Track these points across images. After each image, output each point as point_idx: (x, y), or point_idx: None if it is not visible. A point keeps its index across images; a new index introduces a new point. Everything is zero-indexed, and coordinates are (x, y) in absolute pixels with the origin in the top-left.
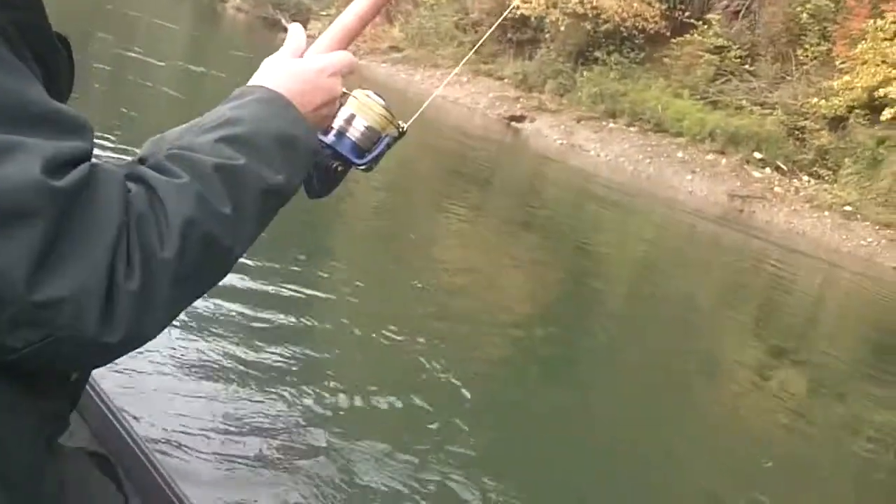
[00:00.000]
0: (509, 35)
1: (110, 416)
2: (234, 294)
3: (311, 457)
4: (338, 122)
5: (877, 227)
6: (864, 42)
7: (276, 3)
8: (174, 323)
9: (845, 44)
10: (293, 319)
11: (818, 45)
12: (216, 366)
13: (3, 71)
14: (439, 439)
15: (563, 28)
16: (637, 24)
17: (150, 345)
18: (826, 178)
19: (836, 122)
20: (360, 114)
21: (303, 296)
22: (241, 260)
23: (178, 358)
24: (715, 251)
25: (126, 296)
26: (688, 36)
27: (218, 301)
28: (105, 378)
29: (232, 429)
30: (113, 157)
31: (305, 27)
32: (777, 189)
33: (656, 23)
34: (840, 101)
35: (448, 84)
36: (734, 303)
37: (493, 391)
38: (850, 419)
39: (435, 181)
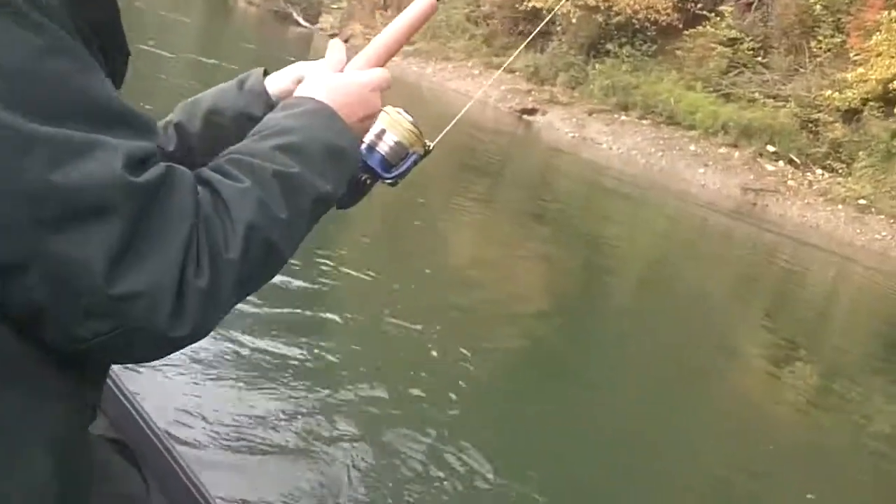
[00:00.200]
0: (521, 28)
1: (127, 405)
2: None
3: (324, 445)
4: (369, 137)
5: (891, 221)
6: (878, 34)
7: None
8: None
9: (859, 35)
10: (304, 310)
11: (832, 36)
12: (229, 355)
13: (84, 71)
14: (451, 427)
15: (574, 21)
16: (649, 16)
17: None
18: (840, 171)
19: (850, 115)
20: (391, 129)
21: (313, 287)
22: None
23: (192, 347)
24: (727, 244)
25: (195, 293)
26: (700, 28)
27: None
28: (121, 367)
29: (246, 416)
30: None
31: (316, 21)
32: (790, 182)
33: (668, 15)
34: (854, 93)
35: (459, 77)
36: (747, 296)
37: (505, 381)
38: (862, 413)
39: (446, 173)
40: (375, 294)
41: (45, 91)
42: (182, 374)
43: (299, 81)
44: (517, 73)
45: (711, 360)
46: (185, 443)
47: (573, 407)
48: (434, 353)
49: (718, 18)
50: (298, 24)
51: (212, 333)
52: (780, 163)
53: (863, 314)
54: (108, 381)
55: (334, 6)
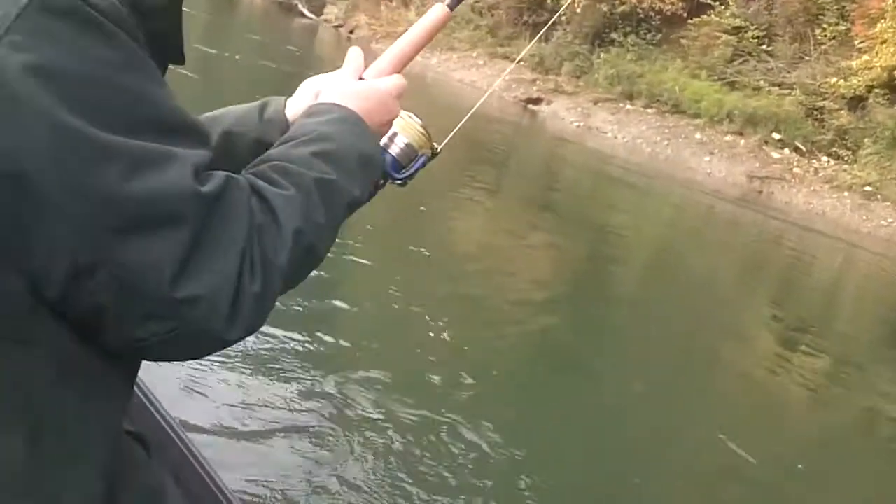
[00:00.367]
0: (525, 17)
1: (141, 396)
2: None
3: (337, 432)
4: (382, 139)
5: None
6: (883, 21)
7: None
8: None
9: (864, 23)
10: (311, 299)
11: (836, 24)
12: (240, 344)
13: (153, 82)
14: (461, 413)
15: (579, 10)
16: (654, 6)
17: None
18: (845, 158)
19: (856, 102)
20: (402, 132)
21: (320, 276)
22: None
23: None
24: (734, 232)
25: (249, 297)
26: (704, 17)
27: None
28: None
29: (258, 404)
30: None
31: (321, 13)
32: (796, 170)
33: (673, 4)
34: (859, 80)
35: (464, 68)
36: (754, 283)
37: (512, 368)
38: (872, 399)
39: (451, 163)
40: (381, 282)
41: (121, 103)
42: (196, 367)
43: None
44: (522, 63)
45: (719, 348)
46: (199, 432)
47: (581, 394)
48: (441, 341)
49: (723, 7)
50: (303, 16)
51: None
52: (786, 150)
53: (869, 301)
54: None
55: None
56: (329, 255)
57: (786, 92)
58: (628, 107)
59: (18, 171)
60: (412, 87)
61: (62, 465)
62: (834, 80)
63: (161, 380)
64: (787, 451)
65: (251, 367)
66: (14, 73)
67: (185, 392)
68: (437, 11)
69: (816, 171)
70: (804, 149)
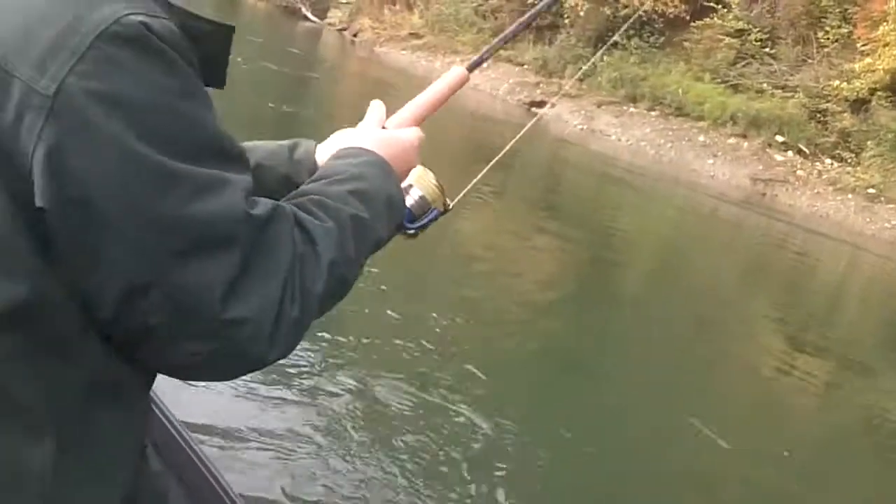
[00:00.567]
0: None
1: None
2: None
3: (341, 433)
4: None
5: None
6: (885, 24)
7: None
8: None
9: (866, 26)
10: None
11: (839, 27)
12: None
13: (207, 108)
14: (466, 414)
15: (582, 13)
16: (657, 9)
17: None
18: (849, 160)
19: (858, 105)
20: (417, 184)
21: None
22: None
23: None
24: (737, 234)
25: (289, 321)
26: (707, 20)
27: None
28: None
29: (264, 408)
30: None
31: (325, 16)
32: (799, 172)
33: (676, 7)
34: (862, 83)
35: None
36: (757, 285)
37: (515, 369)
38: (873, 402)
39: (456, 165)
40: (384, 283)
41: (182, 130)
42: None
43: None
44: (525, 66)
45: (722, 349)
46: (202, 433)
47: (585, 395)
48: (445, 341)
49: (725, 10)
50: (307, 19)
51: None
52: (789, 153)
53: (874, 303)
54: None
55: (343, 1)
56: None
57: (789, 94)
58: (632, 109)
59: (86, 197)
60: (416, 88)
61: (87, 480)
62: (837, 82)
63: (164, 380)
64: (789, 452)
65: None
66: (84, 101)
67: (188, 393)
68: (456, 73)
69: (820, 173)
70: (807, 151)
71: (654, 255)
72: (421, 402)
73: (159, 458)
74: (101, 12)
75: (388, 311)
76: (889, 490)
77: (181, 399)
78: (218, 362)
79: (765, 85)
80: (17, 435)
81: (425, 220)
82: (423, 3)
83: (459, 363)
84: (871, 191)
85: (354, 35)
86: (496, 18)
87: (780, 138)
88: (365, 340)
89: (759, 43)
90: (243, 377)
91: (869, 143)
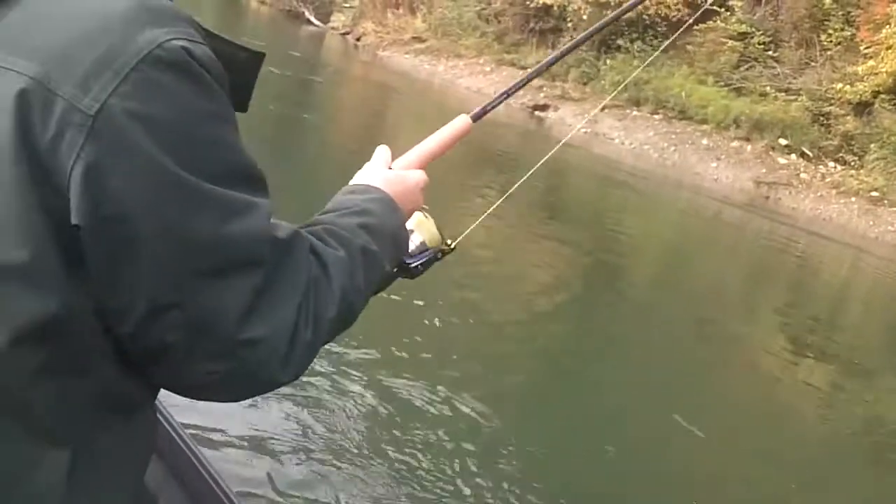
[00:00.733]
0: (532, 24)
1: None
2: None
3: (340, 433)
4: None
5: None
6: (888, 27)
7: None
8: None
9: (869, 29)
10: None
11: (842, 30)
12: None
13: (236, 132)
14: (468, 419)
15: (585, 17)
16: (660, 12)
17: None
18: (852, 163)
19: (862, 108)
20: (418, 229)
21: None
22: None
23: None
24: (741, 237)
25: (302, 344)
26: (710, 23)
27: None
28: None
29: (264, 411)
30: None
31: (328, 20)
32: (803, 175)
33: (679, 10)
34: (865, 86)
35: (471, 75)
36: (760, 288)
37: (517, 371)
38: (875, 405)
39: (458, 168)
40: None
41: (215, 153)
42: None
43: None
44: (528, 70)
45: (724, 352)
46: (203, 435)
47: (586, 396)
48: (446, 342)
49: (728, 13)
50: (310, 23)
51: None
52: (793, 156)
53: (877, 306)
54: None
55: (346, 5)
56: None
57: (792, 97)
58: (635, 113)
59: (122, 215)
60: (419, 92)
61: (100, 490)
62: (840, 85)
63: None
64: (790, 453)
65: None
66: (125, 122)
67: (191, 403)
68: (461, 122)
69: (823, 176)
70: (811, 154)
71: (658, 258)
72: (421, 403)
73: (161, 462)
74: (144, 36)
75: (389, 313)
76: (889, 491)
77: (182, 403)
78: (234, 382)
79: (768, 88)
80: (36, 448)
81: (423, 259)
82: (426, 7)
83: (460, 364)
84: (874, 194)
85: (358, 39)
86: (499, 22)
87: (783, 141)
88: (365, 342)
89: (762, 46)
90: None
91: (872, 146)
